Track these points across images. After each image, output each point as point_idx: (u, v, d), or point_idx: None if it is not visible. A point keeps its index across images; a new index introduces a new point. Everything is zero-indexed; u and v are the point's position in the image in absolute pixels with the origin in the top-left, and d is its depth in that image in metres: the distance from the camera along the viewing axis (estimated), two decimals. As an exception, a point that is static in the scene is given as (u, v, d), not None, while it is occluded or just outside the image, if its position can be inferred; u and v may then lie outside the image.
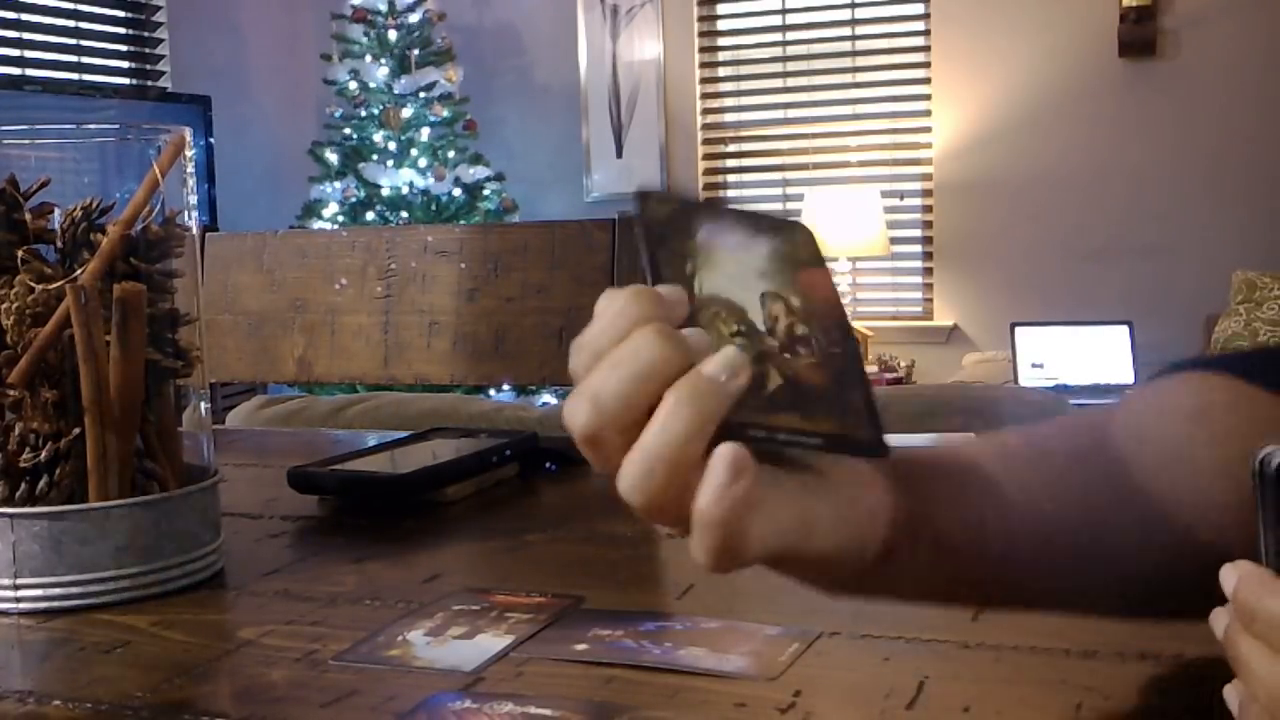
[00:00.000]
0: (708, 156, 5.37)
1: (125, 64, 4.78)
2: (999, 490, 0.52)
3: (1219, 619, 0.41)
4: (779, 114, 5.29)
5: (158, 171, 0.71)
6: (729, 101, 5.37)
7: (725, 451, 0.42)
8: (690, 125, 5.33)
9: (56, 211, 0.71)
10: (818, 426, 0.44)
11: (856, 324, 4.70)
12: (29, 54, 4.41)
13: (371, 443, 1.07)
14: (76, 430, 0.69)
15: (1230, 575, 0.40)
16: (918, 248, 5.10)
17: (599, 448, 0.43)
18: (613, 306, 0.43)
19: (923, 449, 0.55)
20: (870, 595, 0.51)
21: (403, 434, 1.10)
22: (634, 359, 0.42)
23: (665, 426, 0.42)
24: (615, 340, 0.42)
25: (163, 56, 4.86)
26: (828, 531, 0.45)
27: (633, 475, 0.42)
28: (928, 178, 5.03)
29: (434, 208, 4.83)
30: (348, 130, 4.90)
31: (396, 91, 4.84)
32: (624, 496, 0.43)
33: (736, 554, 0.43)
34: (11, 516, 0.68)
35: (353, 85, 4.88)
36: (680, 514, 0.43)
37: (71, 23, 4.55)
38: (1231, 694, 0.41)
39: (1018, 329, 4.14)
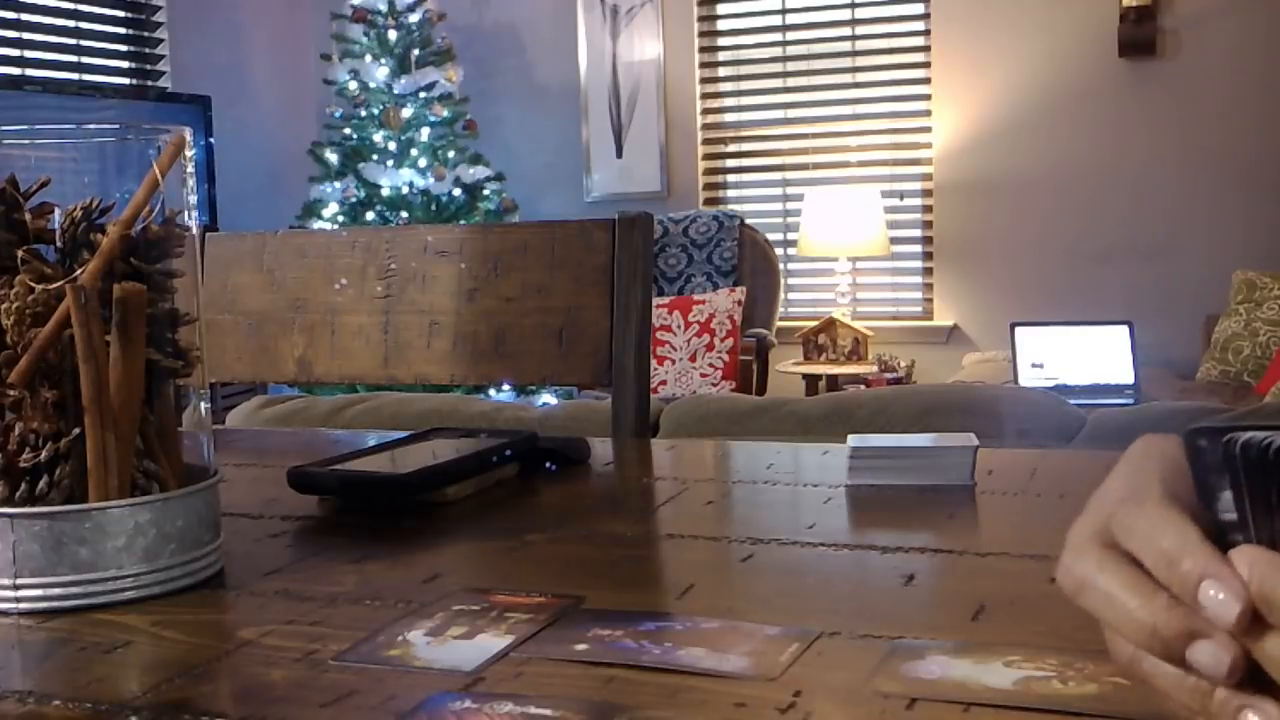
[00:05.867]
0: (708, 156, 5.37)
1: (125, 64, 4.78)
2: None
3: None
4: (779, 114, 5.29)
5: (158, 171, 0.71)
6: (729, 101, 5.37)
7: None
8: (690, 125, 5.33)
9: (56, 211, 0.71)
10: None
11: (857, 324, 4.70)
12: (29, 54, 4.41)
13: (371, 443, 1.07)
14: (76, 430, 0.69)
15: (1242, 560, 0.39)
16: (918, 248, 5.10)
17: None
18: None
19: None
20: None
21: (403, 434, 1.10)
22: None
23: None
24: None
25: (163, 56, 4.86)
26: None
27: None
28: (928, 178, 5.03)
29: (434, 208, 4.83)
30: (348, 130, 4.90)
31: (396, 91, 4.84)
32: None
33: None
34: (11, 516, 0.68)
35: (353, 85, 4.88)
36: None
37: (71, 23, 4.55)
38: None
39: (1018, 329, 4.14)
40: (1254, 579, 0.38)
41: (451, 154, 4.89)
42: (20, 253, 0.70)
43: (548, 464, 1.04)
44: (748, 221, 4.98)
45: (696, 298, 4.60)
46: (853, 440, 0.94)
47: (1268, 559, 0.39)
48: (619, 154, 5.42)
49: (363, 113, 4.88)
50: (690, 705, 0.53)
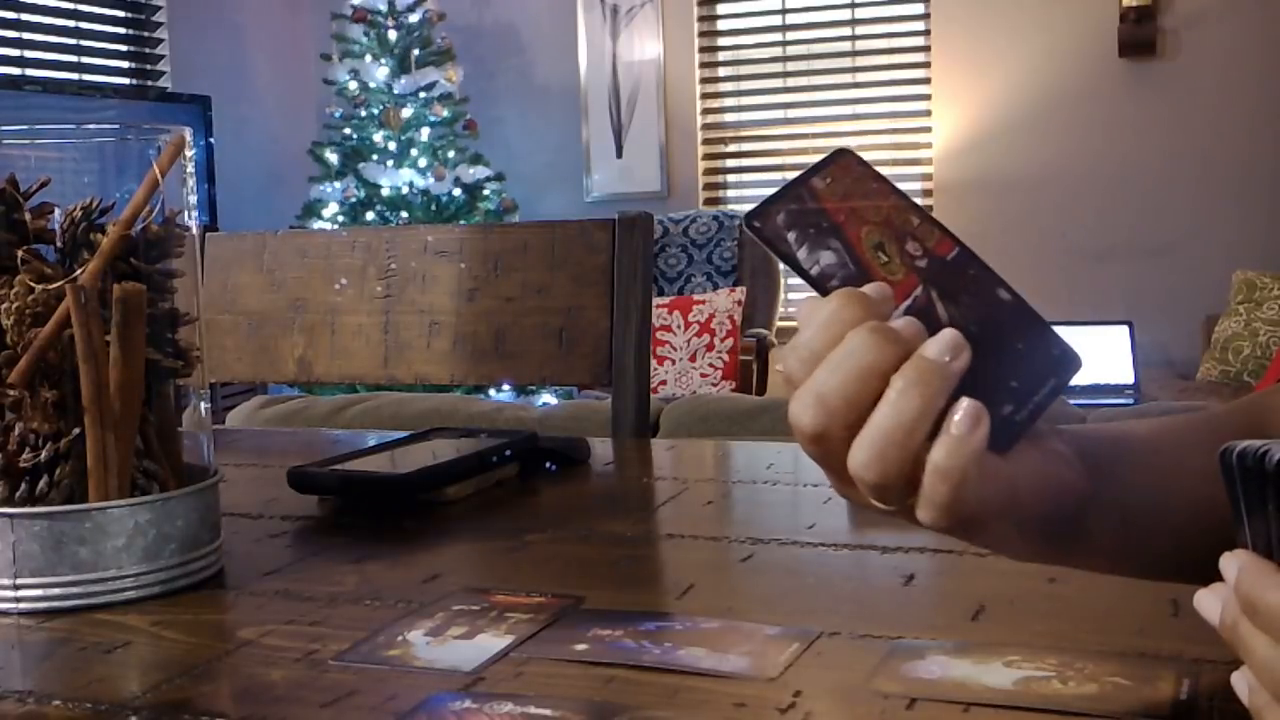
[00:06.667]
0: (708, 156, 5.37)
1: (125, 64, 4.78)
2: (1180, 466, 0.55)
3: (1206, 602, 0.42)
4: (779, 114, 5.29)
5: (158, 171, 0.71)
6: (729, 101, 5.37)
7: (966, 404, 0.45)
8: (690, 125, 5.33)
9: (56, 211, 0.71)
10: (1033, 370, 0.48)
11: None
12: (29, 54, 4.41)
13: (371, 443, 1.07)
14: (76, 430, 0.69)
15: (1230, 564, 0.41)
16: (918, 248, 5.10)
17: (824, 444, 0.46)
18: (823, 311, 0.47)
19: (1108, 426, 0.58)
20: (1058, 562, 0.55)
21: (403, 434, 1.10)
22: (855, 358, 0.45)
23: (895, 407, 0.45)
24: (831, 343, 0.46)
25: (163, 56, 4.86)
26: (1029, 501, 0.48)
27: (865, 457, 0.45)
28: (928, 178, 5.03)
29: (434, 208, 4.82)
30: (348, 130, 4.90)
31: (396, 91, 4.84)
32: (856, 475, 0.46)
33: (961, 509, 0.46)
34: (11, 516, 0.68)
35: (353, 85, 4.88)
36: (908, 488, 0.46)
37: (71, 23, 4.55)
38: (1240, 681, 0.41)
39: (1018, 329, 4.14)
40: (1240, 583, 0.40)
41: (451, 154, 4.89)
42: (20, 253, 0.70)
43: (548, 464, 1.04)
44: (747, 221, 4.98)
45: (696, 298, 4.60)
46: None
47: (1255, 565, 0.40)
48: (619, 154, 5.42)
49: (363, 113, 4.88)
50: (690, 705, 0.53)
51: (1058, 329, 0.49)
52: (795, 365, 0.47)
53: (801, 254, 0.49)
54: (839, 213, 0.50)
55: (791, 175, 0.51)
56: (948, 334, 0.46)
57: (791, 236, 0.49)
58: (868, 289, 0.48)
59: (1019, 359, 0.48)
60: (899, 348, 0.46)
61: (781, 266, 5.02)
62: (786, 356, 0.48)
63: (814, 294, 0.49)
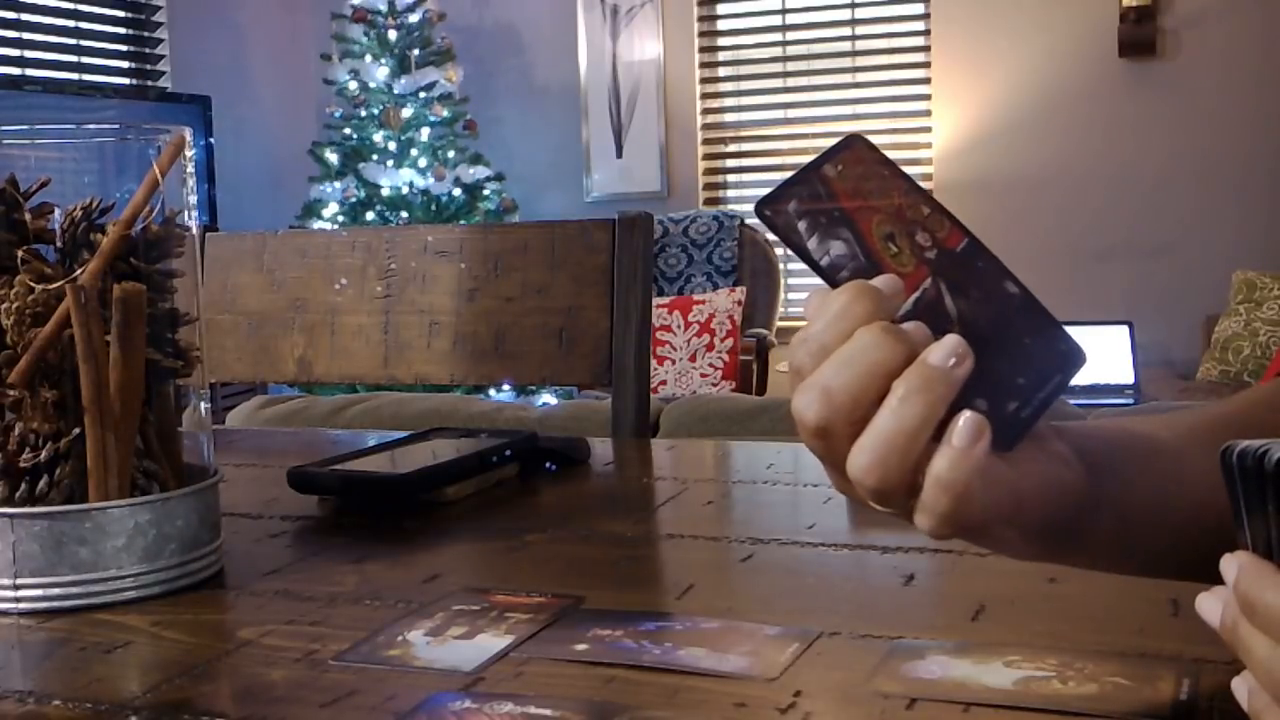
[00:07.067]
0: (708, 156, 5.37)
1: (125, 64, 4.78)
2: (1180, 465, 0.55)
3: (1207, 604, 0.42)
4: (779, 114, 5.29)
5: (158, 171, 0.71)
6: (729, 101, 5.37)
7: (968, 415, 0.46)
8: (690, 125, 5.33)
9: (56, 211, 0.71)
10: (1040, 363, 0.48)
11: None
12: (29, 54, 4.41)
13: (371, 443, 1.07)
14: (76, 430, 0.69)
15: (1230, 565, 0.41)
16: (918, 248, 5.09)
17: (827, 439, 0.46)
18: (834, 305, 0.47)
19: (1107, 424, 0.57)
20: (1058, 562, 0.54)
21: (403, 434, 1.10)
22: (862, 356, 0.45)
23: (897, 414, 0.45)
24: (840, 337, 0.46)
25: (163, 56, 4.86)
26: (1032, 505, 0.48)
27: (866, 461, 0.45)
28: (928, 178, 5.03)
29: (434, 208, 4.83)
30: (348, 130, 4.90)
31: (396, 91, 4.84)
32: (856, 480, 0.46)
33: (962, 518, 0.46)
34: (11, 516, 0.68)
35: (353, 85, 4.88)
36: (909, 492, 0.46)
37: (71, 23, 4.55)
38: (1240, 685, 0.41)
39: (1018, 329, 4.13)
40: (1239, 584, 0.40)
41: (451, 154, 4.89)
42: (20, 253, 0.70)
43: (548, 464, 1.04)
44: (748, 221, 4.98)
45: (696, 298, 4.60)
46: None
47: (1254, 565, 0.40)
48: (619, 154, 5.42)
49: (363, 113, 4.88)
50: (690, 705, 0.53)
51: None
52: (803, 358, 0.47)
53: (812, 244, 0.49)
54: (850, 202, 0.50)
55: (792, 174, 0.51)
56: (951, 339, 0.46)
57: (803, 226, 0.49)
58: (878, 282, 0.47)
59: (1026, 355, 0.48)
60: (907, 348, 0.46)
61: (782, 266, 5.04)
62: (795, 350, 0.48)
63: (823, 285, 0.49)
